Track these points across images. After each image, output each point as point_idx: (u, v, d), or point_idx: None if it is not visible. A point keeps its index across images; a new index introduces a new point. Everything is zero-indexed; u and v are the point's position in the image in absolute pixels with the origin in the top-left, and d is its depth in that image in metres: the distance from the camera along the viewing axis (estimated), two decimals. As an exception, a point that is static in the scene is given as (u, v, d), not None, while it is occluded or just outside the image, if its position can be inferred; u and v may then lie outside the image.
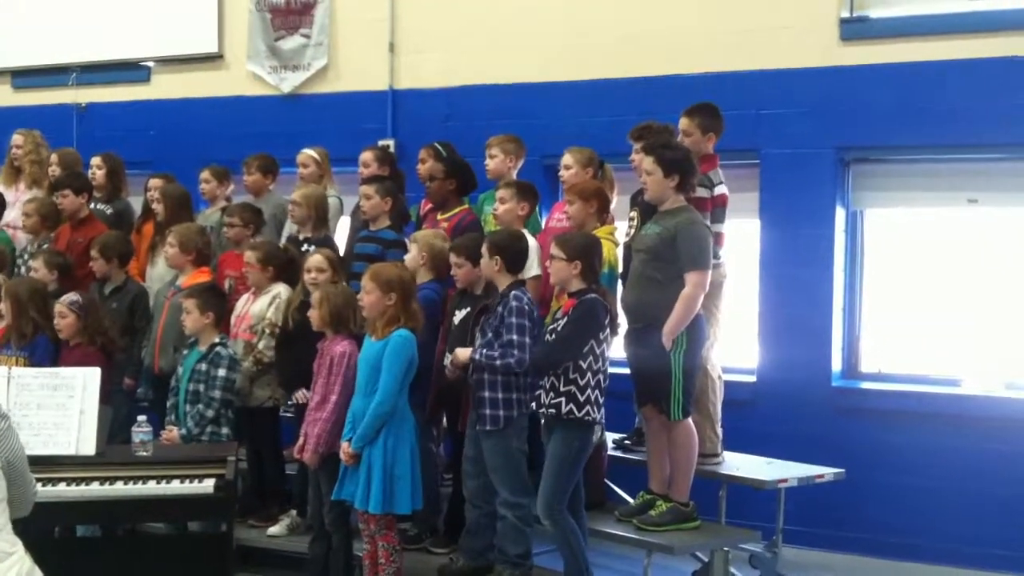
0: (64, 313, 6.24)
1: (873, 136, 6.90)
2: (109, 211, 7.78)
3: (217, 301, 6.20)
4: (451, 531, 6.10)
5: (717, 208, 5.92)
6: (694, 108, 6.08)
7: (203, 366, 6.06)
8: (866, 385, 7.04)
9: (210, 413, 6.00)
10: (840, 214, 7.04)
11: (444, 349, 5.91)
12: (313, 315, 5.82)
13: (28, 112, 9.29)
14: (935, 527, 6.56)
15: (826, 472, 6.18)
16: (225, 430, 6.06)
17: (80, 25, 9.47)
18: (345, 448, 5.53)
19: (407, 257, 6.16)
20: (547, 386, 5.31)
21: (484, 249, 5.58)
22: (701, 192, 5.83)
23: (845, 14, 6.95)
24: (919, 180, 7.01)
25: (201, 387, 6.04)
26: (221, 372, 6.03)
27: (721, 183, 5.95)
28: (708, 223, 5.71)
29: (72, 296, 6.34)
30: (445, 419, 6.39)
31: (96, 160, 7.93)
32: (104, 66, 9.45)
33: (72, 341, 6.24)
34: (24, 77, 9.82)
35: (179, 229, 6.81)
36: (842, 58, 6.95)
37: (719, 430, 6.09)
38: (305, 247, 6.71)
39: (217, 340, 6.13)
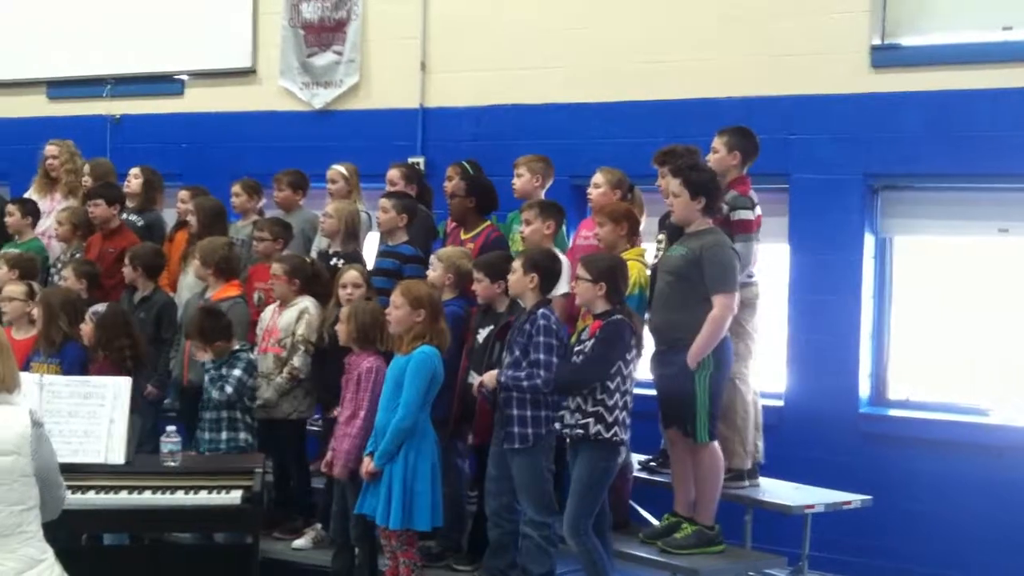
0: (86, 321, 6.31)
1: (903, 163, 6.88)
2: (140, 222, 7.83)
3: (216, 323, 6.15)
4: (475, 548, 6.08)
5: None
6: (727, 128, 6.13)
7: (223, 370, 6.08)
8: (893, 412, 7.00)
9: (228, 390, 6.00)
10: (869, 240, 7.02)
11: (468, 366, 5.92)
12: (340, 329, 5.85)
13: (62, 123, 9.36)
14: (962, 557, 6.50)
15: (853, 499, 6.15)
16: (243, 435, 6.08)
17: (115, 38, 9.55)
18: (366, 463, 5.55)
19: (431, 275, 6.18)
20: (572, 407, 5.31)
21: (519, 264, 5.58)
22: (744, 214, 5.85)
23: (876, 41, 6.95)
24: (949, 208, 6.98)
25: (215, 393, 6.06)
26: (236, 372, 6.04)
27: (757, 205, 5.97)
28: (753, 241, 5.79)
29: (97, 306, 6.40)
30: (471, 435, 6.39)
31: (134, 170, 8.00)
32: (138, 79, 9.54)
33: (92, 350, 6.29)
34: (59, 88, 9.91)
35: (202, 243, 6.86)
36: (873, 85, 6.94)
37: (749, 447, 6.05)
38: (334, 261, 6.74)
39: (236, 348, 6.15)
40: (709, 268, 5.43)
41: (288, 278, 6.48)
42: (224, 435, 6.06)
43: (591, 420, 5.23)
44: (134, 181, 7.90)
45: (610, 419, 5.22)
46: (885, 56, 6.94)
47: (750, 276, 5.97)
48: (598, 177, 6.40)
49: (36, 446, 3.61)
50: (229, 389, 6.02)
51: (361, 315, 5.80)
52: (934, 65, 6.82)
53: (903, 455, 6.69)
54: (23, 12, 10.00)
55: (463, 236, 6.71)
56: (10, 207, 8.01)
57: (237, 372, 6.04)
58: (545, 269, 5.58)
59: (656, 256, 6.14)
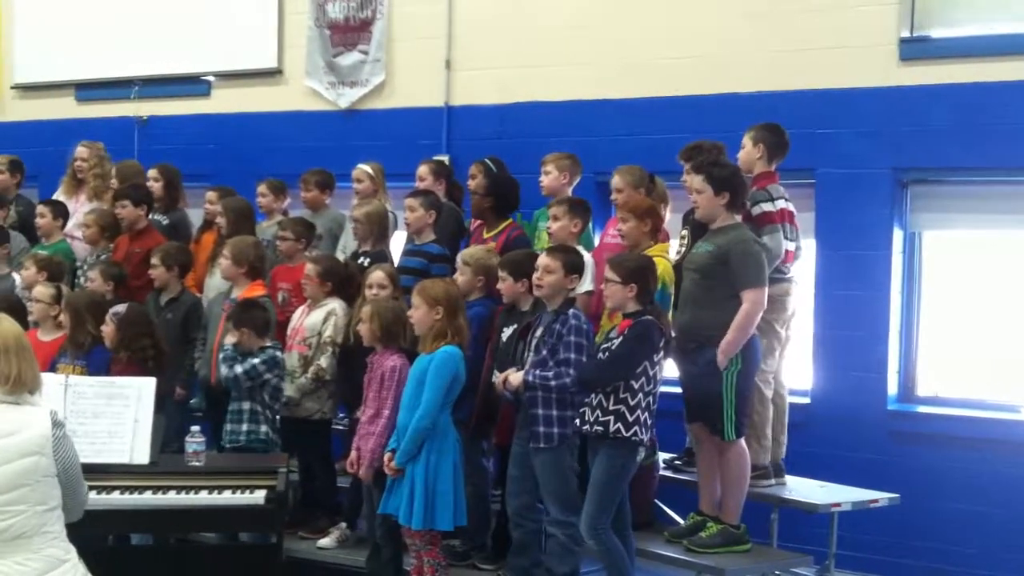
0: (106, 322, 6.32)
1: (932, 157, 6.82)
2: (165, 222, 7.86)
3: (250, 314, 6.18)
4: (499, 547, 6.07)
5: (783, 224, 5.88)
6: (757, 124, 6.08)
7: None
8: (922, 409, 6.94)
9: (238, 369, 6.00)
10: (897, 235, 6.96)
11: (491, 365, 5.91)
12: (363, 329, 5.85)
13: (90, 124, 9.43)
14: (991, 556, 6.44)
15: (880, 497, 6.10)
16: (264, 428, 6.08)
17: (142, 39, 9.61)
18: (387, 459, 5.55)
19: (459, 279, 6.14)
20: (593, 404, 5.28)
21: (559, 264, 5.50)
22: (765, 207, 5.80)
23: (905, 34, 6.88)
24: (978, 202, 6.92)
25: (224, 368, 6.07)
26: (254, 360, 6.03)
27: (782, 198, 5.91)
28: (783, 236, 5.76)
29: (117, 307, 6.41)
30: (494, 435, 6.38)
31: (152, 172, 8.02)
32: (166, 80, 9.60)
33: (113, 351, 6.32)
34: (87, 90, 9.99)
35: (233, 242, 6.86)
36: (901, 78, 6.88)
37: (766, 443, 6.00)
38: (361, 260, 6.75)
39: (267, 345, 6.16)
40: (737, 264, 5.41)
41: (320, 280, 6.49)
42: (245, 427, 6.07)
43: (611, 418, 5.21)
44: (156, 184, 7.93)
45: (631, 418, 5.19)
46: (914, 49, 6.87)
47: (784, 273, 5.91)
48: (617, 180, 6.37)
49: (58, 447, 3.65)
50: (239, 369, 6.00)
51: (384, 314, 5.80)
52: (964, 57, 6.75)
53: (932, 453, 6.63)
54: (51, 15, 10.10)
55: (485, 235, 6.70)
56: (41, 208, 8.07)
57: (255, 360, 6.04)
58: (582, 271, 5.60)
59: (678, 252, 6.11)
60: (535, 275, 5.58)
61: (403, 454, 5.47)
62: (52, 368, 6.10)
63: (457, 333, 5.55)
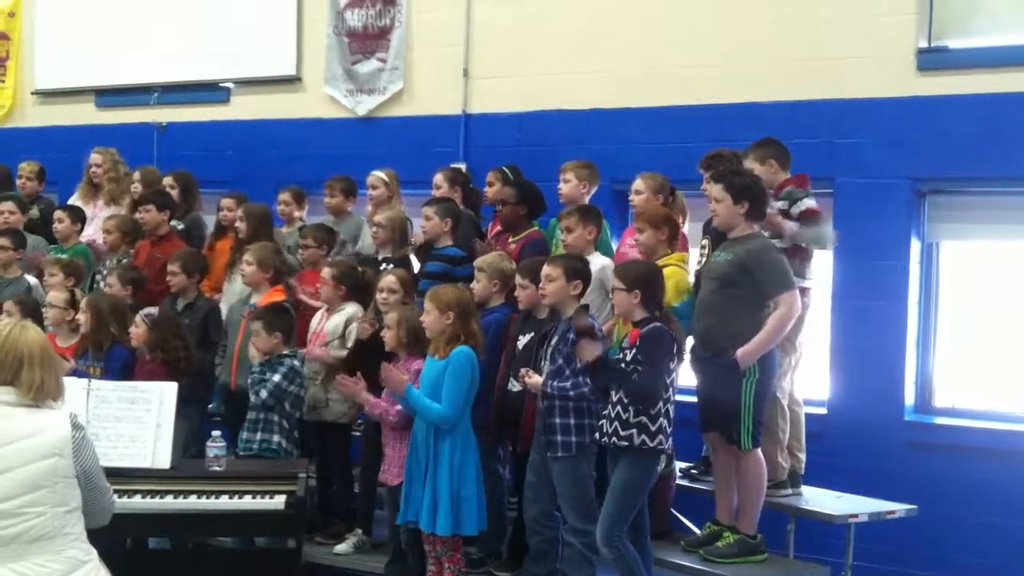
0: (137, 323, 6.37)
1: (950, 167, 6.81)
2: (180, 226, 7.90)
3: (283, 319, 6.24)
4: (515, 555, 6.08)
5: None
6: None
7: (266, 374, 6.12)
8: (939, 420, 6.92)
9: (263, 394, 6.03)
10: (915, 246, 6.95)
11: (507, 373, 5.92)
12: (389, 335, 5.87)
13: (110, 130, 9.53)
14: (1009, 568, 6.41)
15: (898, 508, 6.08)
16: (276, 437, 6.09)
17: (162, 46, 9.69)
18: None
19: (475, 287, 6.16)
20: (611, 416, 5.24)
21: (559, 272, 5.53)
22: (808, 203, 5.82)
23: (923, 44, 6.87)
24: (996, 212, 6.91)
25: (251, 396, 6.11)
26: (275, 377, 6.06)
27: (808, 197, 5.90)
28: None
29: (150, 309, 6.47)
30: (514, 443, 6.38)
31: (168, 180, 8.08)
32: (185, 87, 9.67)
33: (140, 353, 6.35)
34: (107, 96, 10.07)
35: (257, 247, 6.89)
36: (919, 88, 6.87)
37: (789, 458, 6.00)
38: (383, 266, 6.77)
39: (285, 352, 6.18)
40: (764, 273, 5.38)
41: (335, 283, 6.53)
42: (258, 436, 6.09)
43: (635, 430, 5.16)
44: (173, 192, 7.97)
45: (653, 428, 5.17)
46: (932, 59, 6.86)
47: (804, 279, 5.91)
48: (639, 183, 6.39)
49: (77, 449, 3.66)
50: (264, 393, 6.05)
51: (411, 319, 5.82)
52: (982, 68, 6.74)
53: (949, 464, 6.60)
54: (72, 22, 10.18)
55: (511, 240, 6.73)
56: (59, 214, 8.12)
57: (276, 377, 6.07)
58: (587, 276, 5.59)
59: (699, 262, 6.11)
60: (540, 284, 5.61)
61: (409, 408, 5.52)
62: (72, 373, 6.12)
63: (470, 338, 5.56)
